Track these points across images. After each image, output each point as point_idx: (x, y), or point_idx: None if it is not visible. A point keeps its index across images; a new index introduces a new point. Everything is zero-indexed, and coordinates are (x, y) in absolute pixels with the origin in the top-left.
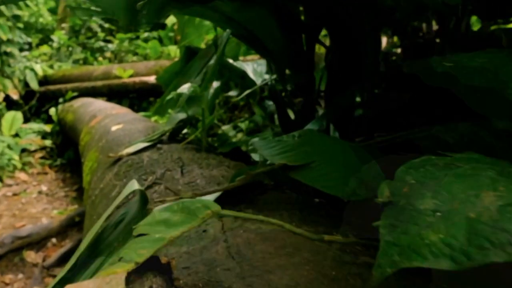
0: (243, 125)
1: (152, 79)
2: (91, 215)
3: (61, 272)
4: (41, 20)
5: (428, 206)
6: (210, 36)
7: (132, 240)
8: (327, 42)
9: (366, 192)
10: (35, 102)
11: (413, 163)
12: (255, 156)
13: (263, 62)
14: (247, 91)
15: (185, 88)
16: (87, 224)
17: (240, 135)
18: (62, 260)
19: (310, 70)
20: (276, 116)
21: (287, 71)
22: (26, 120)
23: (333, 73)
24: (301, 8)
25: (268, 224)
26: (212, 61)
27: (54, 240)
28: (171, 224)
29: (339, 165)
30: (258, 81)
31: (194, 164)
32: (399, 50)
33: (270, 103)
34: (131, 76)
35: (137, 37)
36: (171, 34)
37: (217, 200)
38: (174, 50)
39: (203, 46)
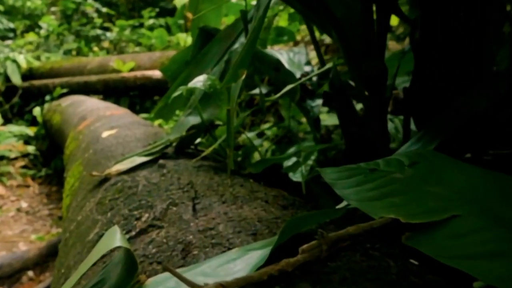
0: (270, 132)
1: (157, 73)
2: (61, 263)
3: None
4: (28, 4)
5: None
6: (229, 20)
7: None
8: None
9: None
10: (18, 100)
11: None
12: (294, 176)
13: (301, 50)
14: (288, 87)
15: (199, 81)
16: (54, 278)
17: (266, 144)
18: None
19: (381, 55)
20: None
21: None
22: (7, 121)
23: (427, 62)
24: None
25: None
26: (236, 45)
27: (30, 273)
28: None
29: None
30: (297, 74)
31: (212, 195)
32: None
33: (314, 104)
34: (132, 69)
35: (141, 25)
36: (181, 21)
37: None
38: (184, 39)
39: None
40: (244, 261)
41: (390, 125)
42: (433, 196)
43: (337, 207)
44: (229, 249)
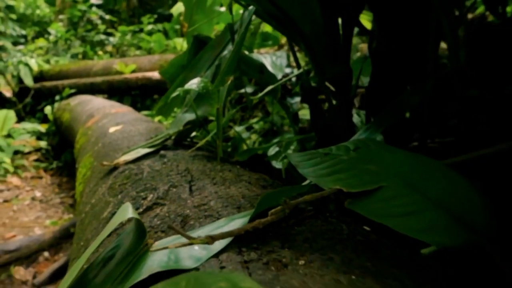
0: (257, 126)
1: (156, 74)
2: (79, 238)
3: None
4: (37, 12)
5: None
6: (220, 27)
7: None
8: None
9: None
10: (30, 100)
11: None
12: (276, 164)
13: (282, 54)
14: (270, 87)
15: (193, 83)
16: (74, 250)
17: (254, 137)
18: (54, 277)
19: (346, 61)
20: (301, 117)
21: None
22: (20, 119)
23: (381, 66)
24: None
25: None
26: (225, 52)
27: (46, 254)
28: None
29: (426, 192)
30: (279, 76)
31: (205, 179)
32: None
33: (293, 101)
34: (133, 71)
35: (141, 30)
36: (177, 26)
37: (239, 236)
38: (180, 43)
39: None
40: (230, 227)
41: (357, 119)
42: (368, 172)
43: (303, 184)
44: (218, 219)
